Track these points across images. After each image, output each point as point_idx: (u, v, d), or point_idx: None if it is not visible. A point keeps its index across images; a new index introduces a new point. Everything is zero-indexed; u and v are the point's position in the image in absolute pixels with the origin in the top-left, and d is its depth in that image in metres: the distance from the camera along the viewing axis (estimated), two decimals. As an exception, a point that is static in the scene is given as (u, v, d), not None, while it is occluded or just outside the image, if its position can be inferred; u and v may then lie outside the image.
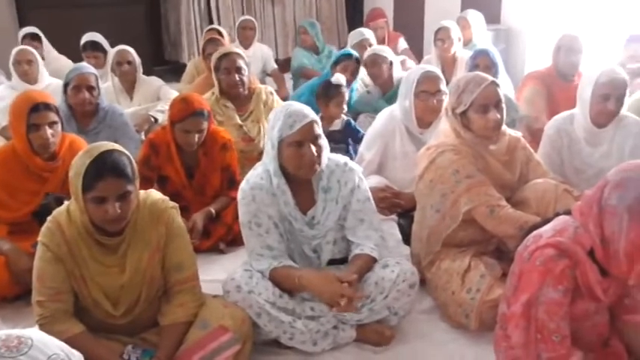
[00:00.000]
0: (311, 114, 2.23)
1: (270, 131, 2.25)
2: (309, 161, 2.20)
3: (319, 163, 2.24)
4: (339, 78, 3.55)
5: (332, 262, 2.37)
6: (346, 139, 3.61)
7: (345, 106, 3.63)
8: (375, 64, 4.03)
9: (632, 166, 1.75)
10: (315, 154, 2.19)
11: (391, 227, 2.86)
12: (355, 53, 4.27)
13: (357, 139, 3.53)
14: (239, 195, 2.30)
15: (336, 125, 3.53)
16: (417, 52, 6.12)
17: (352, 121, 3.61)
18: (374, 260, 2.31)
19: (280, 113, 2.23)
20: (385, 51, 4.11)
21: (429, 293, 2.55)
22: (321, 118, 3.45)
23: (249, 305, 2.13)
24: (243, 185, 2.31)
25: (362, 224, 2.35)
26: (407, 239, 2.73)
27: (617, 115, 2.80)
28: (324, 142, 2.25)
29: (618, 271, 1.74)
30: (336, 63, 4.14)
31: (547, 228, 1.85)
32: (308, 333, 2.20)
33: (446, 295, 2.39)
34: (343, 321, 2.26)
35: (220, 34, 4.90)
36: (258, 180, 2.27)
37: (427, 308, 2.51)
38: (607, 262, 1.75)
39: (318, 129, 2.23)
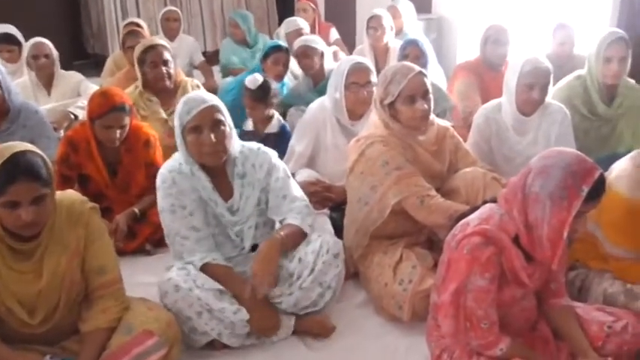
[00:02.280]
0: (211, 100, 2.27)
1: (175, 120, 2.30)
2: (209, 148, 2.23)
3: (223, 150, 2.27)
4: (254, 79, 3.39)
5: (255, 247, 2.39)
6: (284, 143, 3.38)
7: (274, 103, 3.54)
8: (306, 55, 4.04)
9: (554, 153, 1.84)
10: (215, 140, 2.22)
11: (323, 222, 2.88)
12: (284, 44, 4.27)
13: None
14: (158, 180, 2.33)
15: (273, 127, 3.45)
16: (349, 43, 6.17)
17: (287, 126, 3.54)
18: (300, 228, 2.34)
19: (180, 102, 2.30)
20: (316, 41, 4.12)
21: (362, 286, 2.60)
22: (255, 123, 3.45)
23: (190, 304, 2.12)
24: (161, 171, 2.35)
25: (285, 200, 2.41)
26: (340, 233, 2.76)
27: (543, 104, 2.92)
28: (227, 128, 2.28)
29: (542, 257, 1.83)
30: (265, 57, 4.13)
31: (474, 216, 1.92)
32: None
33: (379, 287, 2.44)
34: (281, 309, 2.28)
35: (140, 26, 4.80)
36: (177, 165, 2.32)
37: (361, 302, 2.55)
38: (531, 248, 1.84)
39: (220, 115, 2.25)
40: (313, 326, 2.35)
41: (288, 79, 4.42)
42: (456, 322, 1.89)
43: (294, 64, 4.37)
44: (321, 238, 2.34)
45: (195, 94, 2.33)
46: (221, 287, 2.21)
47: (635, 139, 3.25)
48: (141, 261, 2.91)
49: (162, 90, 3.55)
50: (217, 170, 2.33)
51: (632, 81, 3.40)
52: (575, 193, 1.72)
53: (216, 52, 6.40)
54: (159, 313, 2.08)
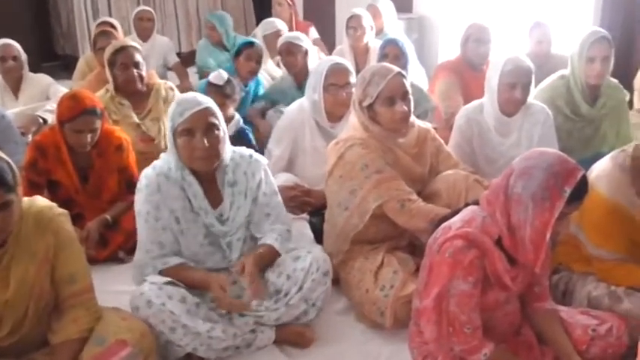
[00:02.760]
0: (206, 102, 2.25)
1: (167, 122, 2.28)
2: (201, 153, 2.21)
3: (216, 156, 2.25)
4: (219, 75, 3.36)
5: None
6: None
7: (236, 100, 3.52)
8: (290, 52, 4.05)
9: (535, 154, 1.87)
10: (208, 144, 2.20)
11: (303, 227, 2.89)
12: (257, 41, 4.28)
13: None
14: (141, 181, 2.30)
15: (230, 129, 3.43)
16: (329, 43, 6.20)
17: (246, 129, 3.52)
18: (276, 251, 2.35)
19: (173, 102, 2.29)
20: (301, 39, 4.14)
21: (343, 293, 2.60)
22: None
23: (162, 320, 2.10)
24: (148, 171, 2.31)
25: (268, 219, 2.41)
26: (319, 238, 2.77)
27: (525, 104, 2.95)
28: (221, 133, 2.26)
29: (525, 259, 1.85)
30: (238, 53, 4.13)
31: (456, 219, 1.94)
32: (226, 340, 2.20)
33: (360, 293, 2.45)
34: (261, 322, 2.27)
35: (113, 26, 4.78)
36: (166, 169, 2.29)
37: (342, 309, 2.56)
38: (514, 250, 1.86)
39: (214, 119, 2.24)
40: (293, 336, 2.35)
41: (263, 79, 4.43)
42: (438, 328, 1.90)
43: (271, 66, 4.38)
44: (311, 256, 2.33)
45: (190, 95, 2.30)
46: (197, 300, 2.20)
47: (619, 139, 3.30)
48: (113, 269, 2.89)
49: (133, 93, 3.53)
50: (207, 177, 2.31)
51: (615, 81, 3.45)
52: (557, 194, 1.75)
53: (192, 53, 6.39)
54: (132, 322, 2.06)
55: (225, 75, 3.37)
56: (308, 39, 4.31)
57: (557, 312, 2.07)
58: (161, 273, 2.25)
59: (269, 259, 2.35)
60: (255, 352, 2.29)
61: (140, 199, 2.29)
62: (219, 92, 3.29)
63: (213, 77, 3.38)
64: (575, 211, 1.86)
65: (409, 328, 2.12)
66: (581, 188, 1.79)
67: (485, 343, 1.87)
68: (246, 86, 4.16)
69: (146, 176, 2.30)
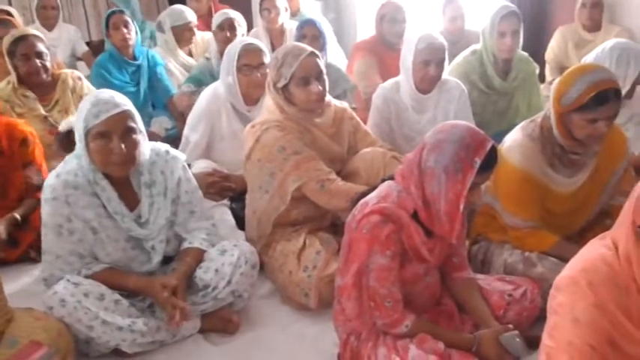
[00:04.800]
0: (124, 104, 2.17)
1: (77, 121, 2.18)
2: (118, 158, 2.14)
3: (132, 161, 2.19)
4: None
5: (166, 259, 2.39)
6: None
7: None
8: (233, 28, 4.04)
9: (446, 128, 1.94)
10: (125, 149, 2.13)
11: (223, 213, 2.89)
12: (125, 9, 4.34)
13: None
14: (46, 192, 2.19)
15: None
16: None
17: None
18: (203, 251, 2.36)
19: (87, 101, 2.17)
20: (239, 17, 4.16)
21: (267, 277, 2.63)
22: None
23: (78, 320, 2.06)
24: (52, 181, 2.19)
25: (192, 216, 2.40)
26: (241, 224, 2.78)
27: (440, 80, 3.05)
28: (139, 136, 2.20)
29: (441, 231, 1.93)
30: (107, 26, 4.20)
31: (372, 195, 2.00)
32: (149, 333, 2.19)
33: (284, 276, 2.48)
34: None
35: (10, 14, 4.60)
36: (72, 177, 2.18)
37: (267, 293, 2.59)
38: (430, 223, 1.93)
39: (132, 122, 2.17)
40: (219, 323, 2.36)
41: (177, 71, 4.43)
42: (360, 303, 1.96)
43: (183, 56, 4.29)
44: (239, 249, 2.34)
45: (107, 95, 2.18)
46: (117, 297, 2.18)
47: (531, 110, 3.45)
48: (25, 269, 2.80)
49: (38, 84, 3.41)
50: (121, 179, 2.24)
51: (525, 54, 3.61)
52: (468, 166, 1.82)
53: (102, 42, 6.21)
54: (48, 322, 2.02)
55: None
56: (243, 18, 4.29)
57: (475, 280, 2.16)
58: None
59: (196, 262, 2.34)
60: (180, 342, 2.29)
61: (48, 211, 2.18)
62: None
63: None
64: (485, 181, 1.95)
65: (333, 306, 2.17)
66: (491, 158, 1.87)
67: (407, 315, 1.94)
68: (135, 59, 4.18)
69: (51, 187, 2.18)
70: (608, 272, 1.45)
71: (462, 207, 1.85)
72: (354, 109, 3.08)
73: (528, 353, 1.96)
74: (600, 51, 2.93)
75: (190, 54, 4.91)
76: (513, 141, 2.36)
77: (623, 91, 2.81)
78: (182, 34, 4.68)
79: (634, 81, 2.89)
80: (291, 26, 4.61)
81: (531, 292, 2.12)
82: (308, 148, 2.51)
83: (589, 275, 1.46)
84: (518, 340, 1.94)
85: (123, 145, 2.13)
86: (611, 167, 2.41)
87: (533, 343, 1.93)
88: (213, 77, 3.82)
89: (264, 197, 2.55)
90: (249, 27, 6.05)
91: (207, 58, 4.17)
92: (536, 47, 4.44)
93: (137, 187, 2.28)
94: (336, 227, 2.66)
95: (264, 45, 3.17)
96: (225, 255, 2.33)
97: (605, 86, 2.10)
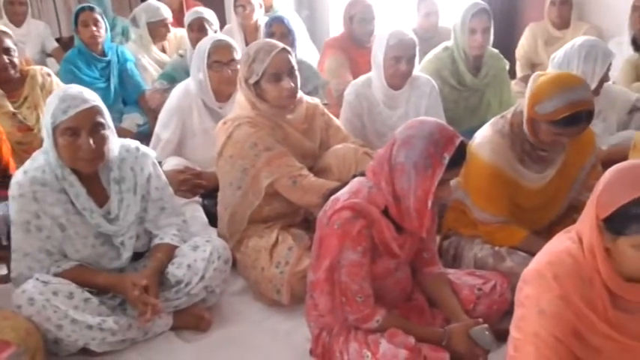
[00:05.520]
0: (93, 99, 2.16)
1: (45, 117, 2.17)
2: (86, 154, 2.13)
3: (101, 157, 2.18)
4: None
5: (136, 255, 2.38)
6: None
7: None
8: (203, 28, 4.00)
9: (416, 124, 1.95)
10: (94, 145, 2.12)
11: (195, 210, 2.88)
12: (92, 5, 4.29)
13: None
14: (13, 189, 2.17)
15: None
16: (219, 22, 6.11)
17: None
18: (174, 247, 2.36)
19: (55, 96, 2.16)
20: (211, 16, 4.14)
21: (240, 274, 2.63)
22: None
23: (47, 318, 2.05)
24: (19, 178, 2.18)
25: (163, 212, 2.40)
26: (213, 221, 2.78)
27: (411, 76, 3.07)
28: (108, 132, 2.19)
29: (411, 226, 1.95)
30: (76, 23, 4.16)
31: (343, 191, 2.01)
32: (120, 331, 2.18)
33: (256, 272, 2.48)
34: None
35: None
36: (40, 174, 2.17)
37: (239, 289, 2.59)
38: (400, 219, 1.95)
39: (101, 117, 2.16)
40: (191, 320, 2.36)
41: (150, 67, 4.37)
42: (332, 299, 1.98)
43: (157, 52, 4.26)
44: (211, 245, 2.35)
45: (75, 90, 2.17)
46: (87, 295, 2.16)
47: (502, 106, 3.48)
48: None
49: (6, 81, 3.36)
50: (90, 175, 2.22)
51: (496, 51, 3.65)
52: (437, 162, 1.84)
53: (73, 39, 6.14)
54: (16, 321, 2.00)
55: None
56: (215, 16, 4.27)
57: (445, 275, 2.19)
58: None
59: (168, 261, 2.33)
60: (152, 340, 2.28)
61: (15, 209, 2.17)
62: None
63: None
64: (454, 177, 1.96)
65: (306, 302, 2.17)
66: (460, 154, 1.89)
67: (378, 310, 1.95)
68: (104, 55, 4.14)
69: (18, 184, 2.16)
70: (572, 265, 1.48)
71: (430, 203, 1.87)
72: (325, 105, 3.09)
73: (498, 346, 1.98)
74: (569, 48, 2.97)
75: (163, 50, 4.88)
76: (483, 137, 2.39)
77: (592, 88, 2.88)
78: (157, 30, 4.66)
79: (601, 78, 2.93)
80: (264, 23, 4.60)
81: (501, 286, 2.15)
82: (280, 144, 2.51)
83: (554, 268, 1.49)
84: (487, 333, 1.97)
85: (91, 141, 2.12)
86: (580, 163, 2.45)
87: (502, 336, 1.94)
88: (187, 74, 3.78)
89: (237, 193, 2.55)
90: (223, 23, 6.04)
91: (181, 55, 4.15)
92: (506, 44, 4.49)
93: (106, 183, 2.27)
94: (308, 223, 2.66)
95: (237, 41, 3.17)
96: (197, 250, 2.33)
97: (580, 108, 2.13)
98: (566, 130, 2.18)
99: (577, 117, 2.14)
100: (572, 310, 1.46)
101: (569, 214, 2.50)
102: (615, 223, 1.40)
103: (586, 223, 1.49)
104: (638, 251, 1.37)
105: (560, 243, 1.55)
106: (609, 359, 1.50)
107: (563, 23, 4.45)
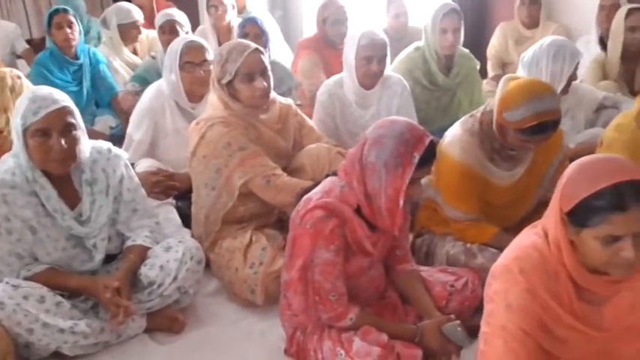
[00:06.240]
0: (63, 100, 2.15)
1: (14, 119, 2.15)
2: (58, 155, 2.12)
3: (73, 158, 2.17)
4: None
5: (108, 258, 2.37)
6: None
7: None
8: (174, 30, 3.98)
9: (386, 123, 1.97)
10: (65, 146, 2.12)
11: (169, 212, 2.87)
12: (66, 7, 4.25)
13: None
14: None
15: None
16: (192, 23, 6.09)
17: None
18: (147, 248, 2.35)
19: (25, 98, 2.14)
20: (183, 18, 4.12)
21: (214, 275, 2.63)
22: None
23: (18, 323, 2.04)
24: None
25: (135, 214, 2.39)
26: (187, 222, 2.78)
27: (382, 76, 3.10)
28: (79, 132, 2.18)
29: (383, 225, 1.97)
30: (49, 25, 4.10)
31: (316, 191, 2.03)
32: (92, 334, 2.16)
33: (230, 273, 2.49)
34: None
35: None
36: (9, 176, 2.15)
37: (213, 290, 2.60)
38: (373, 217, 1.97)
39: (72, 118, 2.15)
40: (165, 322, 2.36)
41: (122, 69, 4.34)
42: (305, 298, 1.99)
43: (128, 54, 4.24)
44: (184, 246, 2.35)
45: (45, 91, 2.16)
46: (59, 299, 2.15)
47: (473, 106, 3.52)
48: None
49: (-26, 83, 3.33)
50: (61, 176, 2.21)
51: (466, 50, 3.70)
52: (407, 161, 1.87)
53: (44, 40, 6.08)
54: (-17, 326, 1.99)
55: None
56: (187, 18, 4.26)
57: (418, 272, 2.21)
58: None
59: (140, 263, 2.33)
60: (125, 343, 2.28)
61: None
62: None
63: None
64: (424, 175, 1.99)
65: (280, 302, 2.18)
66: (430, 153, 1.91)
67: (351, 308, 1.97)
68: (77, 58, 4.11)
69: None
70: (538, 259, 1.51)
71: (401, 201, 1.89)
72: (299, 106, 3.11)
73: (470, 342, 2.01)
74: (538, 48, 3.02)
75: (135, 52, 4.86)
76: (453, 136, 2.42)
77: (560, 87, 2.96)
78: (128, 33, 4.64)
79: (569, 76, 2.99)
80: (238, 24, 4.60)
81: (472, 283, 2.18)
82: (253, 144, 2.52)
83: (521, 262, 1.52)
84: (459, 329, 1.99)
85: (63, 142, 2.11)
86: (548, 160, 2.50)
87: (474, 332, 1.96)
88: (159, 76, 3.76)
89: (211, 194, 2.56)
90: (197, 24, 6.02)
91: (153, 57, 4.13)
92: (477, 43, 4.55)
93: (78, 184, 2.26)
94: (282, 223, 2.67)
95: (210, 42, 3.17)
96: (170, 251, 2.33)
97: (547, 118, 2.17)
98: (532, 138, 2.23)
99: (544, 126, 2.18)
100: (539, 303, 1.49)
101: (539, 211, 2.50)
102: (578, 216, 1.43)
103: (551, 217, 1.52)
104: (601, 243, 1.41)
105: (527, 238, 1.58)
106: (575, 350, 1.54)
107: (532, 23, 4.52)
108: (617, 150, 2.36)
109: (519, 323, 1.48)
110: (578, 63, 3.00)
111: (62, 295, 2.19)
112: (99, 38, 5.17)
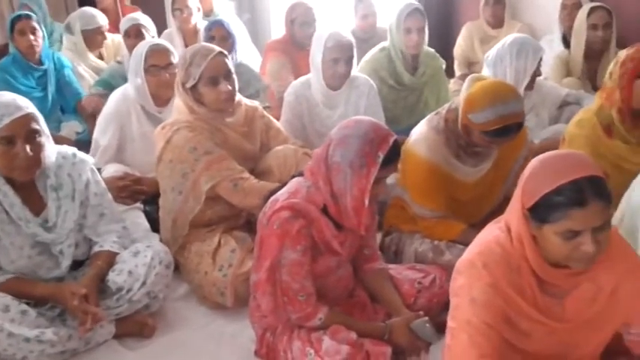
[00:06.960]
0: (26, 106, 2.12)
1: None
2: (22, 162, 2.10)
3: (37, 164, 2.15)
4: None
5: (76, 264, 2.35)
6: None
7: None
8: (140, 34, 3.95)
9: (351, 123, 1.98)
10: (31, 153, 2.10)
11: (136, 216, 2.84)
12: (30, 13, 4.18)
13: None
14: None
15: None
16: (159, 27, 6.05)
17: None
18: (115, 254, 2.33)
19: None
20: (148, 22, 4.09)
21: (183, 278, 2.62)
22: None
23: None
24: None
25: (103, 219, 2.37)
26: (155, 227, 2.76)
27: (349, 77, 3.11)
28: (44, 139, 2.16)
29: (350, 224, 1.98)
30: (12, 30, 4.05)
31: (282, 191, 2.03)
32: (60, 342, 2.14)
33: (199, 276, 2.48)
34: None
35: None
36: None
37: (183, 294, 2.59)
38: (339, 217, 1.98)
39: (36, 124, 2.13)
40: (135, 327, 2.34)
41: (87, 74, 4.30)
42: (274, 299, 1.99)
43: (93, 59, 4.18)
44: (152, 250, 2.34)
45: (8, 97, 2.13)
46: (24, 307, 2.12)
47: (439, 104, 3.54)
48: None
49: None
50: (25, 183, 2.18)
51: (432, 50, 3.73)
52: (372, 160, 1.88)
53: (7, 46, 5.99)
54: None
55: None
56: (152, 22, 4.23)
57: (386, 271, 2.22)
58: None
59: (108, 268, 2.31)
60: (94, 349, 2.25)
61: None
62: None
63: None
64: (389, 174, 2.00)
65: (249, 303, 2.18)
66: (394, 152, 1.93)
67: (320, 308, 1.98)
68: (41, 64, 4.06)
69: None
70: (501, 253, 1.53)
71: (367, 201, 1.90)
72: (267, 107, 3.11)
73: (438, 338, 2.02)
74: (501, 47, 3.07)
75: (101, 57, 4.81)
76: (419, 134, 2.44)
77: (524, 83, 3.01)
78: (93, 38, 4.58)
79: (533, 72, 3.04)
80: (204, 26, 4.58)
81: (440, 279, 2.20)
82: (219, 147, 2.51)
83: (484, 257, 1.54)
84: (428, 325, 2.01)
85: (28, 148, 2.09)
86: (513, 156, 2.53)
87: (443, 328, 1.98)
88: (125, 80, 3.74)
89: (178, 198, 2.54)
90: (163, 28, 5.98)
91: (119, 62, 4.10)
92: (444, 43, 4.60)
93: (43, 190, 2.24)
94: (250, 225, 2.67)
95: (176, 45, 3.15)
96: (138, 256, 2.32)
97: (510, 121, 2.21)
98: (496, 139, 2.26)
99: (507, 129, 2.22)
100: (502, 296, 1.51)
101: (505, 206, 2.55)
102: (540, 212, 1.46)
103: (513, 212, 1.54)
104: (562, 238, 1.43)
105: (490, 233, 1.61)
106: (538, 342, 1.56)
107: (497, 22, 4.58)
108: (579, 145, 2.40)
109: (483, 317, 1.50)
110: (541, 59, 3.06)
111: (28, 304, 2.16)
112: (62, 41, 5.12)
